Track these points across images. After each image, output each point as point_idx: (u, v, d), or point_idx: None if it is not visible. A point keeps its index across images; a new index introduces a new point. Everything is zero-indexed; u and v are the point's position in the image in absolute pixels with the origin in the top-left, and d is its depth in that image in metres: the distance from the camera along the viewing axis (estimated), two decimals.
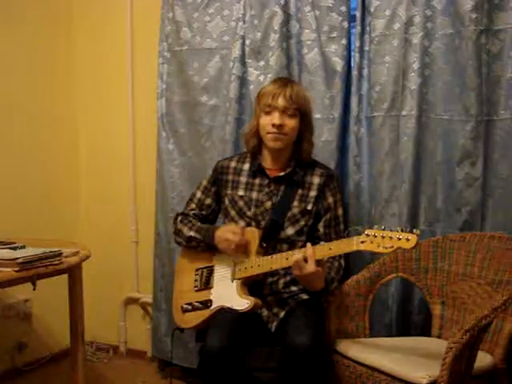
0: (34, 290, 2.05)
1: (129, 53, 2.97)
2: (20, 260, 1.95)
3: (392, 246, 1.71)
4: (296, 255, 1.88)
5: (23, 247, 2.14)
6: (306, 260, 1.86)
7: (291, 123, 2.05)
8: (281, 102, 2.03)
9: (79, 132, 3.14)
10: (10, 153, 2.78)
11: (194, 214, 2.24)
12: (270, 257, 1.98)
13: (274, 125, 2.02)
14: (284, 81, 2.13)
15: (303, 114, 2.08)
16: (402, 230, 1.72)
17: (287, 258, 1.92)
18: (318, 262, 1.87)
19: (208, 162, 2.62)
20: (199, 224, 2.18)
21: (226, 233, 2.04)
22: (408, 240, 1.69)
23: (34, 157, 2.91)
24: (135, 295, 3.07)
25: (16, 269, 1.94)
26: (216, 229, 2.09)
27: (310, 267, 1.85)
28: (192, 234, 2.15)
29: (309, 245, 1.89)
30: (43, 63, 2.95)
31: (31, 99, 2.89)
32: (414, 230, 1.71)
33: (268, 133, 2.05)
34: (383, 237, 1.73)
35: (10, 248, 2.12)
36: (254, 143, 2.14)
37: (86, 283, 2.37)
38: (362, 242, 1.77)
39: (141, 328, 3.07)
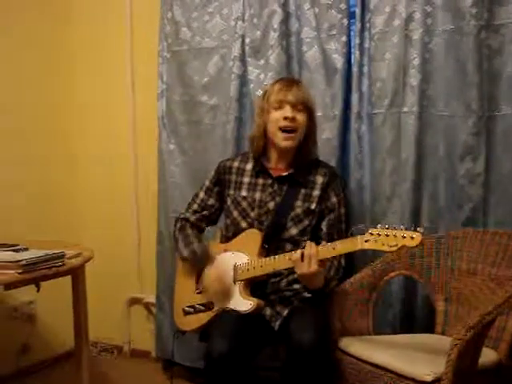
0: (38, 291, 2.06)
1: (128, 53, 2.97)
2: (23, 262, 1.95)
3: (396, 245, 1.71)
4: (297, 254, 1.87)
5: (26, 249, 2.14)
6: (308, 258, 1.85)
7: (302, 118, 2.06)
8: (291, 97, 2.04)
9: (80, 133, 3.14)
10: (10, 154, 2.77)
11: (195, 218, 2.23)
12: (272, 258, 1.97)
13: (286, 118, 2.02)
14: (291, 79, 2.20)
15: (311, 111, 2.09)
16: (405, 229, 1.71)
17: (290, 258, 1.91)
18: (320, 262, 1.87)
19: (209, 161, 2.60)
20: (195, 243, 2.14)
21: (213, 282, 2.03)
22: (412, 238, 1.68)
23: (35, 159, 2.90)
24: (139, 295, 3.08)
25: (19, 271, 1.94)
26: (208, 261, 2.08)
27: (313, 266, 1.85)
28: (186, 254, 2.14)
29: (311, 243, 1.88)
30: (43, 61, 2.94)
31: (31, 98, 2.89)
32: (418, 228, 1.70)
33: (280, 128, 2.04)
34: (387, 235, 1.72)
35: (13, 250, 2.12)
36: (260, 144, 2.12)
37: (89, 284, 2.38)
38: (366, 241, 1.76)
39: (145, 328, 3.07)
